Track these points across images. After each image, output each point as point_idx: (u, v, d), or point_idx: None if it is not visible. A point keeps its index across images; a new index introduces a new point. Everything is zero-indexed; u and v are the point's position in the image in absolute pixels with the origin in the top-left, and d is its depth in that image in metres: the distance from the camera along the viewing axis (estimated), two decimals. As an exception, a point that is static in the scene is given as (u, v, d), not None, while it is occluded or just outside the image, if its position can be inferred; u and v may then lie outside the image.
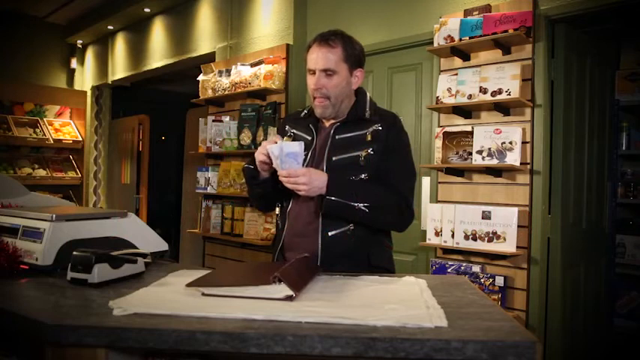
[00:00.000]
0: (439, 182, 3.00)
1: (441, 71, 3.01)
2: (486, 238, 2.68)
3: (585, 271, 3.06)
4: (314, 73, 1.62)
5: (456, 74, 2.88)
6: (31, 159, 6.12)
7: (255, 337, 0.91)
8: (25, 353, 1.19)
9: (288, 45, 3.84)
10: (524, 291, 2.64)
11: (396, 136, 1.66)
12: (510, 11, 2.69)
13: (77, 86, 6.87)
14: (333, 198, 1.53)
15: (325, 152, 1.65)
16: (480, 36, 2.74)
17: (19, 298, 1.24)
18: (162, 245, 1.70)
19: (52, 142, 6.16)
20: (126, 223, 1.63)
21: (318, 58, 1.61)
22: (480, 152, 2.73)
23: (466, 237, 2.75)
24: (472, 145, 2.77)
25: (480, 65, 2.82)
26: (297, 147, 1.52)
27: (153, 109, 6.50)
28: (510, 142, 2.64)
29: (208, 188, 4.19)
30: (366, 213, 1.55)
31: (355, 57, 1.64)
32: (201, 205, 4.37)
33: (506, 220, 2.64)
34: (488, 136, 2.71)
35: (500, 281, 2.64)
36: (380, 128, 1.64)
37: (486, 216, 2.69)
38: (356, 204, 1.54)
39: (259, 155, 1.60)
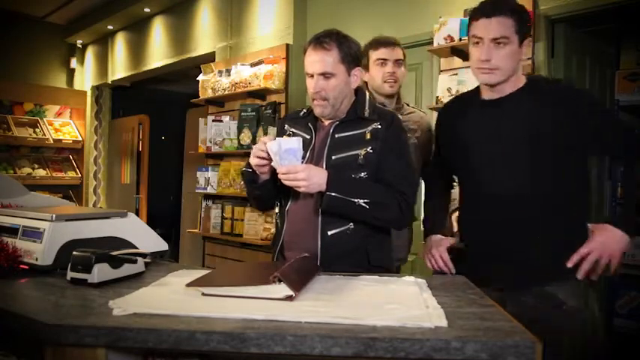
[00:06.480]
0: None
1: (441, 71, 3.01)
2: (486, 238, 2.67)
3: (585, 270, 3.05)
4: (312, 76, 1.63)
5: (456, 74, 2.88)
6: (30, 159, 6.11)
7: (255, 337, 0.91)
8: (25, 353, 1.19)
9: (287, 45, 3.84)
10: (524, 291, 2.63)
11: (395, 134, 1.67)
12: (510, 11, 2.68)
13: (77, 86, 6.87)
14: (333, 194, 1.53)
15: (325, 151, 1.65)
16: (480, 36, 2.73)
17: (19, 298, 1.24)
18: (162, 245, 1.70)
19: (51, 142, 6.16)
20: (126, 223, 1.63)
21: (314, 61, 1.61)
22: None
23: (466, 237, 2.74)
24: (472, 145, 2.76)
25: (479, 65, 2.82)
26: (296, 143, 1.52)
27: (153, 109, 6.49)
28: (510, 142, 2.64)
29: (208, 188, 4.20)
30: (366, 209, 1.56)
31: (352, 56, 1.64)
32: (201, 205, 4.37)
33: (506, 220, 2.63)
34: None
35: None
36: (379, 127, 1.65)
37: (486, 216, 2.68)
38: (356, 200, 1.54)
39: (253, 159, 1.60)
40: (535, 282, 1.56)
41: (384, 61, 2.15)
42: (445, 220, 1.98)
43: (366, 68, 2.18)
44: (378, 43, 2.18)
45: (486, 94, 1.65)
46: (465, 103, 1.74)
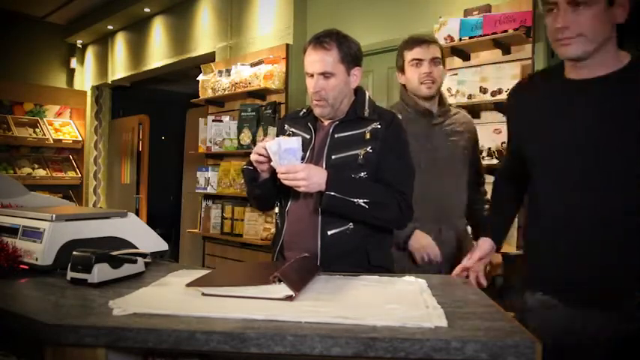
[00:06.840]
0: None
1: (441, 71, 3.01)
2: (486, 238, 2.67)
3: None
4: (312, 76, 1.63)
5: (456, 74, 2.88)
6: (30, 159, 6.12)
7: (254, 337, 0.91)
8: (25, 353, 1.19)
9: (287, 45, 3.84)
10: (524, 291, 2.63)
11: (395, 134, 1.66)
12: (510, 11, 2.69)
13: (77, 86, 6.87)
14: (332, 193, 1.53)
15: (324, 151, 1.65)
16: (480, 36, 2.74)
17: (19, 298, 1.24)
18: (162, 245, 1.70)
19: (51, 142, 6.16)
20: (126, 223, 1.63)
21: (314, 61, 1.61)
22: (479, 152, 2.72)
23: (466, 237, 2.74)
24: (472, 145, 2.77)
25: (480, 65, 2.82)
26: (295, 142, 1.53)
27: (153, 109, 6.50)
28: (510, 142, 2.64)
29: (208, 188, 4.20)
30: (366, 209, 1.56)
31: (352, 56, 1.64)
32: (201, 205, 4.38)
33: (506, 220, 2.63)
34: (488, 136, 2.71)
35: (500, 281, 2.64)
36: (379, 126, 1.65)
37: (486, 216, 2.69)
38: (355, 200, 1.55)
39: (254, 155, 1.60)
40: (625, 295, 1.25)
41: (419, 61, 2.00)
42: (503, 227, 1.66)
43: (402, 70, 2.07)
44: (413, 42, 2.03)
45: (572, 73, 1.30)
46: (544, 82, 1.40)
